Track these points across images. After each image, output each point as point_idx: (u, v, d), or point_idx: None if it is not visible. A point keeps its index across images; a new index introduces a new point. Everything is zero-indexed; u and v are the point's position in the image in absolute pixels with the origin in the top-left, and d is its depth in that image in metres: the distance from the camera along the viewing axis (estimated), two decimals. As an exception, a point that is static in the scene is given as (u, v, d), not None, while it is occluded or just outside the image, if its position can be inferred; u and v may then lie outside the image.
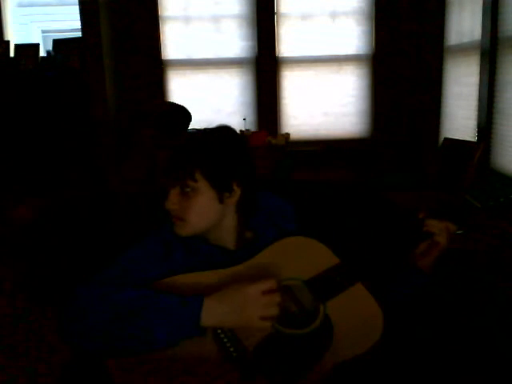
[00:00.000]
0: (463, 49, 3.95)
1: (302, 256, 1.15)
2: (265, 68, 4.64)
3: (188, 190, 1.15)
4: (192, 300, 1.03)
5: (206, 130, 1.22)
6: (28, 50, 4.19)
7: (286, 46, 4.66)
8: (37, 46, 4.25)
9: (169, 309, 1.02)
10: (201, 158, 1.15)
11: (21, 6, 4.85)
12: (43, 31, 5.24)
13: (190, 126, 3.97)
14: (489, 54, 3.44)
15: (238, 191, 1.19)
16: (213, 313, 1.02)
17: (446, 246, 1.18)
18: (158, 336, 1.00)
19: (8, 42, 4.29)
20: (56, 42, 4.20)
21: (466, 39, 3.90)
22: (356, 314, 1.11)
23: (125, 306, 1.03)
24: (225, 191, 1.18)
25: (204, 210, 1.17)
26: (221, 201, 1.18)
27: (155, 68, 4.60)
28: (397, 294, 1.23)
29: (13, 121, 4.11)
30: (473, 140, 3.64)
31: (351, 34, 4.64)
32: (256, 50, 4.63)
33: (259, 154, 3.91)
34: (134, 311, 1.02)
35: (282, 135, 4.49)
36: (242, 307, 1.03)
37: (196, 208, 1.16)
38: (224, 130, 1.22)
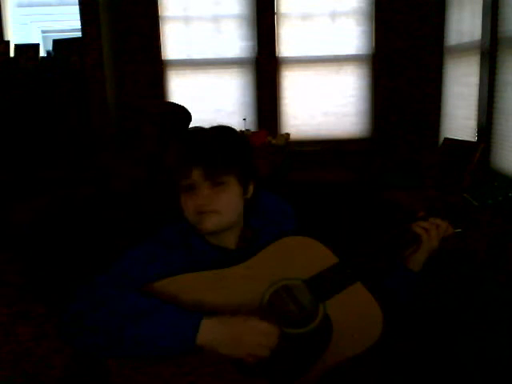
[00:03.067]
0: (463, 49, 3.95)
1: (302, 256, 1.15)
2: (265, 68, 4.64)
3: (220, 183, 1.16)
4: (190, 318, 1.03)
5: (223, 126, 1.22)
6: (28, 50, 4.19)
7: (285, 46, 4.66)
8: (37, 46, 4.25)
9: (166, 325, 1.02)
10: (234, 153, 1.18)
11: (21, 6, 4.85)
12: (43, 31, 5.25)
13: (190, 126, 3.96)
14: (489, 54, 3.44)
15: (251, 189, 1.22)
16: (208, 336, 1.03)
17: (436, 246, 1.19)
18: (152, 349, 1.02)
19: (8, 42, 4.30)
20: (56, 42, 4.21)
21: (466, 39, 3.90)
22: (356, 313, 1.11)
23: (124, 313, 1.03)
24: (247, 187, 1.20)
25: (234, 204, 1.19)
26: (245, 195, 1.21)
27: (155, 68, 4.60)
28: (387, 291, 1.23)
29: (13, 121, 4.11)
30: (473, 140, 3.64)
31: (351, 34, 4.64)
32: (256, 49, 4.63)
33: (259, 154, 3.91)
34: (132, 321, 1.02)
35: (282, 135, 4.49)
36: (237, 339, 1.04)
37: (227, 201, 1.17)
38: (232, 129, 1.24)
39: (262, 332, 1.05)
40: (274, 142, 4.33)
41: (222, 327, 1.04)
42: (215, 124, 1.23)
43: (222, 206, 1.16)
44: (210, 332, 1.02)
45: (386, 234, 1.19)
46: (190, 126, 3.88)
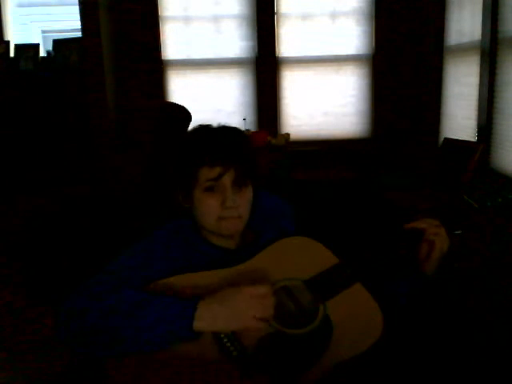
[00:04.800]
0: (463, 49, 3.95)
1: (302, 256, 1.15)
2: (265, 68, 4.64)
3: (244, 187, 1.16)
4: (185, 303, 1.02)
5: (234, 127, 1.23)
6: (28, 50, 4.19)
7: (285, 46, 4.66)
8: (37, 46, 4.25)
9: (162, 311, 1.01)
10: (255, 156, 1.20)
11: (21, 6, 4.84)
12: (43, 31, 5.24)
13: (190, 126, 3.97)
14: (489, 54, 3.44)
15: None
16: (205, 316, 1.00)
17: (445, 248, 1.18)
18: (151, 338, 1.00)
19: (8, 42, 4.29)
20: (56, 42, 4.21)
21: (466, 39, 3.90)
22: (356, 313, 1.11)
23: (120, 306, 1.02)
24: (256, 189, 1.21)
25: (249, 207, 1.19)
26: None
27: (155, 68, 4.60)
28: (395, 294, 1.23)
29: (13, 121, 4.11)
30: (473, 140, 3.64)
31: (351, 34, 4.64)
32: (256, 50, 4.63)
33: (259, 153, 3.91)
34: (128, 312, 1.01)
35: (282, 135, 4.49)
36: (234, 309, 1.01)
37: (247, 205, 1.18)
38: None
39: (256, 295, 1.03)
40: (274, 142, 4.33)
41: (217, 303, 1.02)
42: (216, 123, 1.23)
43: (243, 211, 1.16)
44: (205, 314, 1.00)
45: (389, 233, 1.19)
46: (191, 125, 3.88)
